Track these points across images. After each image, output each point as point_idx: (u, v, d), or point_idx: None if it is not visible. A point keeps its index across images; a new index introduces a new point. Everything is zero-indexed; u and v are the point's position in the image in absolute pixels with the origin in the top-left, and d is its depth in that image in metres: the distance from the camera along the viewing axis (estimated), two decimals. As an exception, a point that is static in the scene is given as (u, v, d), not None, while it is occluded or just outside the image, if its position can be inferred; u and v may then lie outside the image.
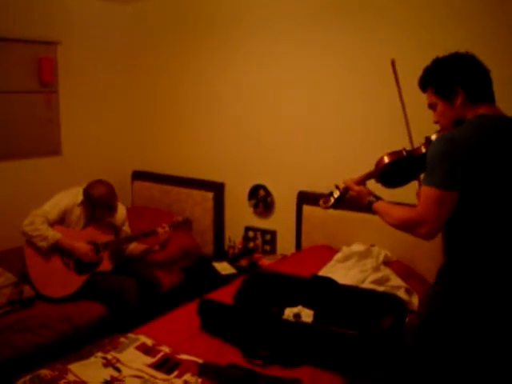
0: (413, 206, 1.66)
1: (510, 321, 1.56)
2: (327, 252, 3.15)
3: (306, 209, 3.41)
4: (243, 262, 3.57)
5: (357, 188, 1.94)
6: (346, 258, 2.91)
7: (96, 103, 4.31)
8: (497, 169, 1.51)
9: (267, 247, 3.74)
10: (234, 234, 3.89)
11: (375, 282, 2.66)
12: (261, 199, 3.73)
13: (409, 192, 2.11)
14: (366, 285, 2.64)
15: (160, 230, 3.14)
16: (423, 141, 1.86)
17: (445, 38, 2.72)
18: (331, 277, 2.53)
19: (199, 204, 4.01)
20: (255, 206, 3.77)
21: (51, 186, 3.23)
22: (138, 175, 4.49)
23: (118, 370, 2.01)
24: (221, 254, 3.92)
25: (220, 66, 3.83)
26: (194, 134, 4.10)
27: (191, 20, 3.96)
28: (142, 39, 4.34)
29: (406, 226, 1.63)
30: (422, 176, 1.73)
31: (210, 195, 3.95)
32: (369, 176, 1.98)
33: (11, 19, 3.62)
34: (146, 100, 4.41)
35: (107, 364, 2.05)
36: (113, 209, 3.06)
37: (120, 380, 1.94)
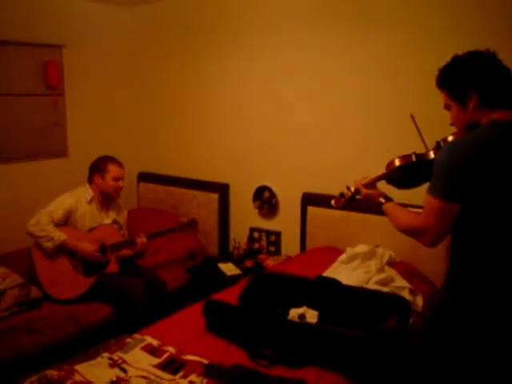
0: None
1: None
2: (331, 253, 3.15)
3: (311, 210, 3.42)
4: (248, 263, 3.57)
5: (364, 191, 1.95)
6: (351, 259, 2.91)
7: (101, 105, 4.34)
8: (503, 179, 1.47)
9: (272, 248, 3.74)
10: (238, 235, 3.90)
11: (379, 282, 2.66)
12: (265, 200, 3.74)
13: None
14: (371, 285, 2.64)
15: (138, 240, 3.09)
16: (435, 144, 1.84)
17: (448, 40, 2.72)
18: (335, 278, 2.54)
19: (204, 205, 4.02)
20: (260, 208, 3.78)
21: (57, 188, 3.25)
22: (144, 177, 4.51)
23: (124, 370, 2.03)
24: (226, 254, 3.93)
25: (223, 68, 3.84)
26: (199, 135, 4.11)
27: (195, 22, 3.97)
28: (146, 42, 4.36)
29: (409, 232, 1.65)
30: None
31: (215, 196, 3.96)
32: (379, 178, 1.99)
33: (17, 23, 3.65)
34: (151, 102, 4.43)
35: (113, 364, 2.06)
36: (117, 161, 3.16)
37: (126, 380, 1.96)
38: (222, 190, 3.96)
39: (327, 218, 3.29)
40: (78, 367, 2.03)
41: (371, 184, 1.97)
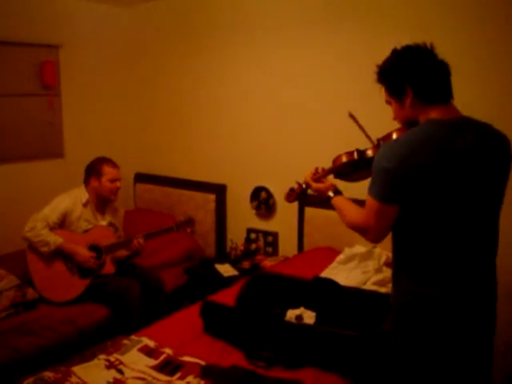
0: None
1: (464, 324, 1.53)
2: (329, 253, 3.15)
3: (308, 210, 3.41)
4: (245, 264, 3.57)
5: (314, 185, 1.95)
6: (348, 260, 2.91)
7: (98, 106, 4.32)
8: (439, 178, 1.44)
9: (269, 249, 3.74)
10: (235, 235, 3.89)
11: (377, 283, 2.66)
12: (263, 201, 3.73)
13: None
14: (368, 286, 2.64)
15: (134, 241, 3.06)
16: (376, 142, 1.83)
17: (446, 40, 2.71)
18: (333, 278, 2.53)
19: (201, 206, 4.01)
20: (257, 208, 3.77)
21: (54, 189, 3.24)
22: (141, 178, 4.50)
23: (121, 372, 2.02)
24: (223, 255, 3.92)
25: (221, 69, 3.83)
26: (196, 136, 4.11)
27: (192, 22, 3.97)
28: (143, 42, 4.35)
29: (354, 229, 1.64)
30: None
31: (212, 197, 3.96)
32: (328, 172, 1.99)
33: (13, 23, 3.64)
34: (148, 103, 4.42)
35: (110, 366, 2.06)
36: (113, 163, 3.14)
37: (123, 382, 1.95)
38: (219, 190, 3.95)
39: (325, 218, 3.28)
40: (74, 369, 2.02)
41: (321, 178, 1.98)
